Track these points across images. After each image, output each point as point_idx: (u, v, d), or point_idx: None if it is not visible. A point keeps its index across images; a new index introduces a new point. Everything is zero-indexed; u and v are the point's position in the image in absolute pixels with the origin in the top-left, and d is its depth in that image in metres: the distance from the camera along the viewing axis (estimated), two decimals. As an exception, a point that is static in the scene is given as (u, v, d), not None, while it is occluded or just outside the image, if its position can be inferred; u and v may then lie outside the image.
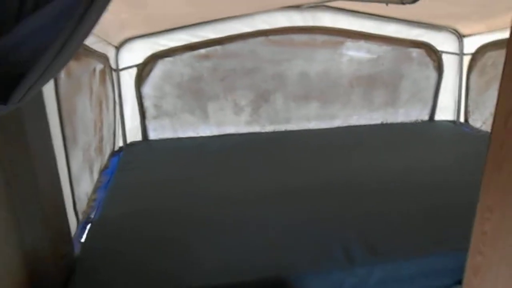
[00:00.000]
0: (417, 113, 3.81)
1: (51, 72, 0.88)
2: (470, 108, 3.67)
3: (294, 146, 3.18)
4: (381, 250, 1.72)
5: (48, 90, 1.62)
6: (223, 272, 1.60)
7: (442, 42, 3.61)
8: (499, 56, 3.22)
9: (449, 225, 1.90)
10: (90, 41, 2.25)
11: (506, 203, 1.39)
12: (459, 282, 1.67)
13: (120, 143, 3.24)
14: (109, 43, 2.82)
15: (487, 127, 3.42)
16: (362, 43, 3.46)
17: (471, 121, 3.66)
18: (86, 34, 0.99)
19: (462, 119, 3.76)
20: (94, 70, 2.45)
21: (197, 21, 3.11)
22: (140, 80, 3.23)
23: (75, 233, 1.86)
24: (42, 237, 1.51)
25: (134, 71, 3.18)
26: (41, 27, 0.81)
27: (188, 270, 1.62)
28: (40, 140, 1.46)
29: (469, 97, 3.65)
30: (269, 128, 3.53)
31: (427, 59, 3.64)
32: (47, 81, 0.93)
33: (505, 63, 1.39)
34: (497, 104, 1.42)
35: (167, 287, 1.53)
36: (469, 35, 3.54)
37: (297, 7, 3.17)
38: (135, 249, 1.78)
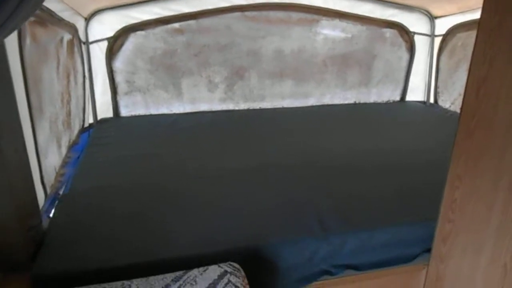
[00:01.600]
0: (389, 94, 3.87)
1: (13, 20, 0.83)
2: (439, 89, 3.76)
3: (268, 124, 3.17)
4: (355, 221, 1.75)
5: (12, 53, 1.54)
6: (196, 244, 1.59)
7: (415, 23, 3.66)
8: (468, 37, 3.29)
9: (419, 198, 1.95)
10: (57, 8, 2.15)
11: (476, 171, 1.43)
12: (428, 250, 1.73)
13: (90, 119, 3.14)
14: (78, 13, 2.70)
15: (455, 108, 3.52)
16: (337, 21, 3.47)
17: (440, 102, 3.76)
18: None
19: (432, 100, 3.85)
20: (62, 39, 2.35)
21: (171, -7, 3.02)
22: (111, 54, 3.12)
23: (42, 207, 1.80)
24: (8, 207, 1.45)
25: (104, 44, 3.07)
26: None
27: (160, 242, 1.60)
28: (5, 105, 1.39)
29: (439, 78, 3.74)
30: (243, 106, 3.51)
31: (400, 40, 3.69)
32: (10, 31, 0.87)
33: (477, 35, 1.42)
34: (468, 74, 1.46)
35: (139, 260, 1.51)
36: (441, 16, 3.60)
37: (273, -17, 3.14)
38: (106, 223, 1.74)
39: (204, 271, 1.28)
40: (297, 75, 3.54)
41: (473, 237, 1.47)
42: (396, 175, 2.23)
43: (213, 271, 1.28)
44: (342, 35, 3.53)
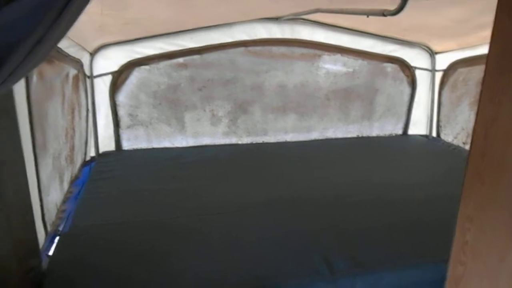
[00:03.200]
0: (391, 127, 3.87)
1: (24, 68, 0.82)
2: (442, 123, 3.77)
3: (272, 159, 3.16)
4: (363, 261, 1.70)
5: (19, 91, 1.53)
6: (201, 285, 1.54)
7: (415, 58, 3.70)
8: (469, 72, 3.33)
9: (427, 237, 1.91)
10: (64, 45, 2.17)
11: (486, 214, 1.40)
12: (440, 293, 1.67)
13: (92, 152, 3.12)
14: (84, 49, 2.73)
15: (458, 142, 3.52)
16: (338, 56, 3.51)
17: (443, 136, 3.76)
18: (65, 30, 0.93)
19: (434, 134, 3.85)
20: (67, 75, 2.36)
21: (175, 29, 3.07)
22: (114, 88, 3.14)
23: (43, 246, 1.75)
24: (9, 249, 1.41)
25: (109, 78, 3.09)
26: (18, 18, 0.75)
27: (163, 282, 1.55)
28: (9, 143, 1.37)
29: (441, 112, 3.75)
30: (246, 140, 3.50)
31: (401, 74, 3.72)
32: (19, 78, 0.86)
33: (485, 74, 1.41)
34: (477, 114, 1.44)
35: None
36: (441, 52, 3.65)
37: (275, 19, 3.19)
38: (108, 262, 1.69)
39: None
40: (300, 109, 3.55)
41: (487, 281, 1.42)
42: (403, 210, 2.20)
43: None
44: (344, 69, 3.57)
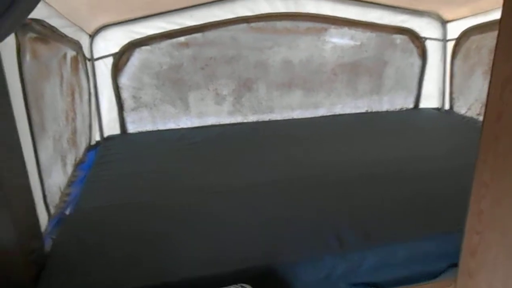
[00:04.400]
0: (401, 101, 3.76)
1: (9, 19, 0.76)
2: (454, 95, 3.64)
3: (278, 136, 3.09)
4: (374, 235, 1.64)
5: (11, 69, 1.48)
6: (210, 263, 1.50)
7: (426, 28, 3.56)
8: (483, 39, 3.18)
9: (440, 209, 1.84)
10: (60, 24, 2.11)
11: (503, 180, 1.32)
12: (455, 265, 1.60)
13: (97, 137, 3.08)
14: (82, 30, 2.67)
15: (472, 113, 3.40)
16: (345, 29, 3.39)
17: (455, 108, 3.64)
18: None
19: (447, 106, 3.73)
20: (65, 56, 2.30)
21: (175, 7, 2.98)
22: (116, 70, 3.08)
23: (46, 228, 1.73)
24: (8, 230, 1.38)
25: (110, 60, 3.03)
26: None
27: (171, 262, 1.52)
28: (2, 122, 1.33)
29: (454, 84, 3.62)
30: (252, 118, 3.43)
31: (411, 46, 3.59)
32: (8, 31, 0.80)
33: (499, 34, 1.32)
34: (491, 75, 1.36)
35: (148, 283, 1.42)
36: (452, 20, 3.50)
37: (279, -7, 3.09)
38: (112, 243, 1.66)
39: (214, 294, 1.19)
40: (306, 85, 3.46)
41: (505, 250, 1.35)
42: (414, 184, 2.13)
43: (224, 293, 1.19)
44: (351, 43, 3.45)
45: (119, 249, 1.62)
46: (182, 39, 3.11)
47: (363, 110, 3.69)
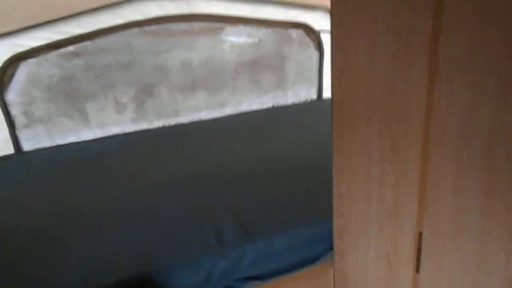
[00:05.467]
0: (305, 93, 3.90)
1: None
2: (353, 83, 3.83)
3: (183, 139, 3.07)
4: (252, 230, 1.68)
5: None
6: (85, 276, 1.46)
7: (319, 21, 3.71)
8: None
9: (319, 198, 1.92)
10: None
11: (351, 162, 1.41)
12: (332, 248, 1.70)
13: (-11, 159, 2.88)
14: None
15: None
16: (241, 27, 3.44)
17: (355, 95, 3.83)
18: None
19: (347, 94, 3.92)
20: None
21: (60, 15, 2.84)
22: (2, 87, 2.89)
23: None
24: None
25: (-7, 77, 2.84)
26: None
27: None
28: None
29: (350, 72, 3.81)
30: (157, 124, 3.38)
31: (307, 39, 3.73)
32: None
33: (331, 26, 1.42)
34: (331, 66, 1.45)
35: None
36: (342, 12, 3.67)
37: (168, -5, 3.06)
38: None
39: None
40: (209, 85, 3.47)
41: (361, 230, 1.45)
42: (303, 176, 2.21)
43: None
44: (249, 40, 3.51)
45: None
46: (71, 48, 2.98)
47: (270, 105, 3.77)
